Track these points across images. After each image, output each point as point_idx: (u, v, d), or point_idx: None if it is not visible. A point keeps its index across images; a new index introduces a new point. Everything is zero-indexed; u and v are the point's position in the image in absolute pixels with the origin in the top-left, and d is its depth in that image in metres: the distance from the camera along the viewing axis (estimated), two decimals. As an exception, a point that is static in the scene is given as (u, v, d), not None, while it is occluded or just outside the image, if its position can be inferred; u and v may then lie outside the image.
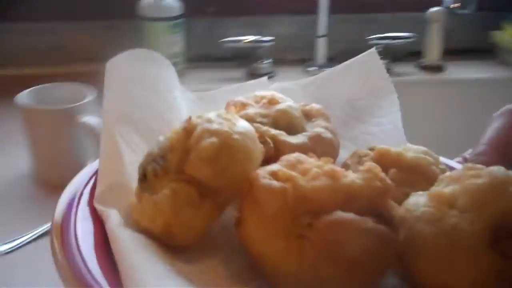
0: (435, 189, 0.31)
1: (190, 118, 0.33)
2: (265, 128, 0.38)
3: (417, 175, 0.36)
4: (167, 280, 0.28)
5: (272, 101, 0.40)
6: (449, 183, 0.31)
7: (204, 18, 0.93)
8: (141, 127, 0.39)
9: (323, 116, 0.41)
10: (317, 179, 0.30)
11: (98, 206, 0.33)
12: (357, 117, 0.45)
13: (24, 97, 0.59)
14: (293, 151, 0.35)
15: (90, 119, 0.57)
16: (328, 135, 0.39)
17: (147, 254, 0.29)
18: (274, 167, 0.31)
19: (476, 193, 0.29)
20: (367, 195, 0.30)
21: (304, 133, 0.39)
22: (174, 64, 0.43)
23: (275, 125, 0.39)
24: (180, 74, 0.81)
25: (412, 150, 0.37)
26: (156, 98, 0.41)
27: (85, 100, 0.59)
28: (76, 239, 0.32)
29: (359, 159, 0.38)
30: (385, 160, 0.37)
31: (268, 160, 0.34)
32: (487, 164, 0.37)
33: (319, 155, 0.37)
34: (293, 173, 0.30)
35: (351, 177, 0.31)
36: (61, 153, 0.60)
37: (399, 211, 0.31)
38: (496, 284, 0.28)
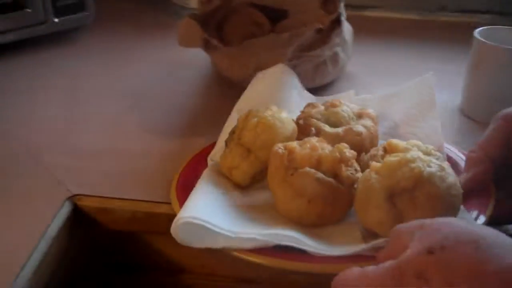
0: (374, 162, 0.48)
1: (251, 110, 0.56)
2: (315, 121, 0.58)
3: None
4: (209, 194, 0.51)
5: (332, 105, 0.60)
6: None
7: None
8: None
9: (369, 117, 0.59)
10: (304, 150, 0.50)
11: (208, 159, 0.59)
12: (406, 121, 0.61)
13: (477, 33, 0.69)
14: (330, 137, 0.56)
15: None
16: (359, 129, 0.57)
17: (210, 182, 0.54)
18: (289, 142, 0.52)
19: (388, 165, 0.46)
20: (329, 161, 0.49)
21: (343, 127, 0.58)
22: None
23: (327, 120, 0.59)
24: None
25: (409, 143, 0.53)
26: (270, 94, 0.64)
27: None
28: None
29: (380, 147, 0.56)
30: (389, 148, 0.54)
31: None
32: (473, 159, 0.50)
33: (348, 141, 0.56)
34: (294, 145, 0.51)
35: (325, 150, 0.50)
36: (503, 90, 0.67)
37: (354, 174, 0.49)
38: (390, 222, 0.44)
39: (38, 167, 0.61)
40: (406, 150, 0.51)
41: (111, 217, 0.56)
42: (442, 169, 0.45)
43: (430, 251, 0.33)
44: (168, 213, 0.53)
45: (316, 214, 0.49)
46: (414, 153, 0.46)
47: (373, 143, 0.58)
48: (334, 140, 0.55)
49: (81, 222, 0.56)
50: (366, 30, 0.97)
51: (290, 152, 0.50)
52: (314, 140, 0.52)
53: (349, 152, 0.50)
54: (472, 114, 0.72)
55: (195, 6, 0.97)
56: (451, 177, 0.45)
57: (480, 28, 0.70)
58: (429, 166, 0.45)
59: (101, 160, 0.63)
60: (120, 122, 0.72)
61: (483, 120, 0.64)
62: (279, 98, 0.64)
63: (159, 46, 0.95)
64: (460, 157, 0.57)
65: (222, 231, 0.45)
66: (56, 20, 0.89)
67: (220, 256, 0.47)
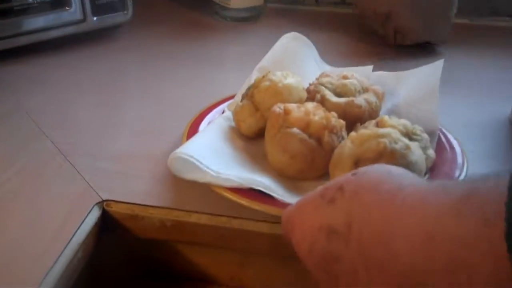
0: (352, 132, 0.54)
1: (269, 72, 0.63)
2: (323, 88, 0.64)
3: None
4: (212, 136, 0.60)
5: (344, 77, 0.66)
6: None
7: None
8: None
9: (374, 93, 0.64)
10: (299, 113, 0.57)
11: (226, 108, 0.67)
12: (409, 102, 0.65)
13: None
14: (332, 106, 0.62)
15: None
16: (360, 102, 0.62)
17: (218, 127, 0.62)
18: (289, 104, 0.59)
19: (361, 136, 0.52)
20: (316, 126, 0.56)
21: (347, 98, 0.63)
22: None
23: (335, 90, 0.64)
24: None
25: (397, 121, 0.58)
26: (288, 60, 0.71)
27: None
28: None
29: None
30: (380, 123, 0.59)
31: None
32: None
33: (348, 112, 0.62)
34: (291, 107, 0.58)
35: (316, 116, 0.56)
36: None
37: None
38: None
39: (68, 170, 0.60)
40: (392, 126, 0.57)
41: (139, 224, 0.55)
42: (407, 147, 0.51)
43: (354, 173, 0.39)
44: (198, 222, 0.53)
45: (296, 169, 0.56)
46: (387, 130, 0.52)
47: (371, 117, 0.63)
48: (335, 109, 0.61)
49: (109, 228, 0.55)
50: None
51: (286, 112, 0.57)
52: (310, 105, 0.58)
53: (336, 121, 0.56)
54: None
55: (235, 6, 1.02)
56: (414, 156, 0.51)
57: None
58: (395, 143, 0.51)
59: (134, 165, 0.61)
60: (156, 125, 0.69)
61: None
62: (298, 65, 0.70)
63: (199, 46, 0.94)
64: (450, 143, 0.61)
65: (207, 170, 0.53)
66: (94, 18, 0.90)
67: (250, 269, 0.51)
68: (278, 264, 0.58)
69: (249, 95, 0.63)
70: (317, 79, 0.67)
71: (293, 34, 0.74)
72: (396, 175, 0.38)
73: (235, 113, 0.63)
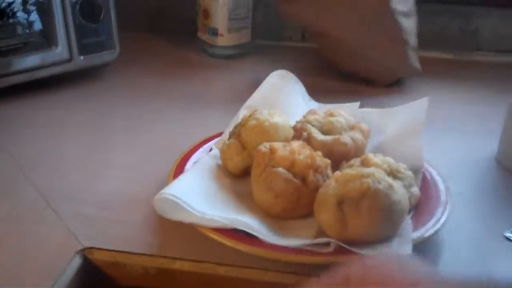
0: (337, 172, 0.54)
1: (256, 110, 0.64)
2: (309, 126, 0.64)
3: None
4: (198, 176, 0.60)
5: (330, 115, 0.66)
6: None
7: None
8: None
9: (360, 131, 0.65)
10: (284, 152, 0.58)
11: (214, 146, 0.68)
12: (394, 139, 0.66)
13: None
14: (318, 144, 0.62)
15: None
16: (346, 140, 0.63)
17: (205, 166, 0.62)
18: (275, 142, 0.60)
19: (345, 176, 0.52)
20: (301, 165, 0.56)
21: (333, 136, 0.64)
22: None
23: (321, 128, 0.65)
24: None
25: (383, 159, 0.59)
26: (275, 98, 0.72)
27: None
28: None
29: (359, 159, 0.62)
30: (365, 161, 0.60)
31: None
32: None
33: (335, 150, 0.62)
34: (277, 146, 0.58)
35: (301, 155, 0.57)
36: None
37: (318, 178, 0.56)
38: (337, 224, 0.51)
39: (51, 215, 0.58)
40: (376, 165, 0.57)
41: (122, 272, 0.53)
42: (390, 187, 0.51)
43: (362, 262, 0.36)
44: (182, 269, 0.52)
45: (281, 208, 0.56)
46: (370, 169, 0.52)
47: (357, 154, 0.63)
48: (321, 147, 0.62)
49: (91, 276, 0.53)
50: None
51: (272, 151, 0.58)
52: (296, 144, 0.59)
53: (320, 160, 0.57)
54: (510, 165, 0.69)
55: (223, 43, 1.03)
56: (397, 196, 0.51)
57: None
58: (379, 183, 0.51)
59: (118, 209, 0.60)
60: (142, 166, 0.68)
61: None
62: (285, 102, 0.71)
63: (186, 84, 0.93)
64: (434, 181, 0.62)
65: (191, 210, 0.54)
66: (81, 57, 0.89)
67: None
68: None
69: (236, 133, 0.63)
70: (304, 116, 0.67)
71: (280, 72, 0.75)
72: (408, 270, 0.35)
73: (222, 152, 0.64)
